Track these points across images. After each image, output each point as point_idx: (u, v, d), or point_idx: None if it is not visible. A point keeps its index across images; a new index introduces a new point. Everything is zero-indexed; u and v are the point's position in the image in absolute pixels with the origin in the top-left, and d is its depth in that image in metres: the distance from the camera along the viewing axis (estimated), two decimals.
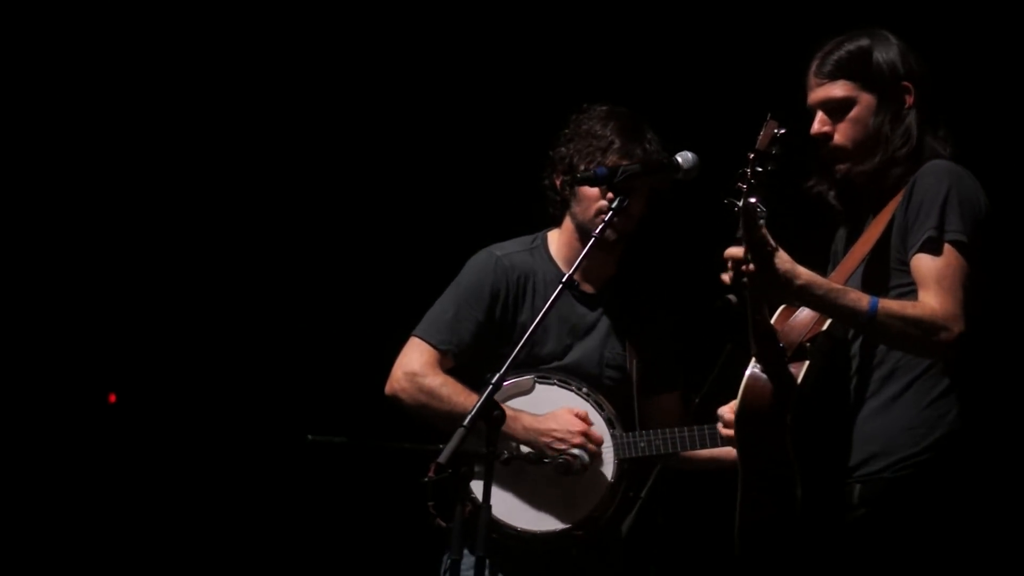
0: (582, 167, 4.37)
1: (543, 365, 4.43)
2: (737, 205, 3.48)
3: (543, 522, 4.36)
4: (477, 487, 3.99)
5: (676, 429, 4.37)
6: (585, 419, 4.36)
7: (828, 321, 3.69)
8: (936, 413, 3.64)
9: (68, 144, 6.46)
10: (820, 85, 3.81)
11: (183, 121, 6.44)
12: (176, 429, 6.50)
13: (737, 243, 3.51)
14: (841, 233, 3.94)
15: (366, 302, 6.25)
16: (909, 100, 3.78)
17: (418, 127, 6.27)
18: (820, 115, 3.80)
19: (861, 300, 3.56)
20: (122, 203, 6.51)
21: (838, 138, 3.79)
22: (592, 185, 4.28)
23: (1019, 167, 5.22)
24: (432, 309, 4.49)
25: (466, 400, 4.30)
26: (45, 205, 6.48)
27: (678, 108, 5.41)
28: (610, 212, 3.98)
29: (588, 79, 5.58)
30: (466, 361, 4.44)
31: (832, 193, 3.85)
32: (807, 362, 3.66)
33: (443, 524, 4.06)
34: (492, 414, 3.66)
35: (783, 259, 3.52)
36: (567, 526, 4.36)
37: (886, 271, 3.71)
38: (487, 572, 4.08)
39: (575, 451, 4.30)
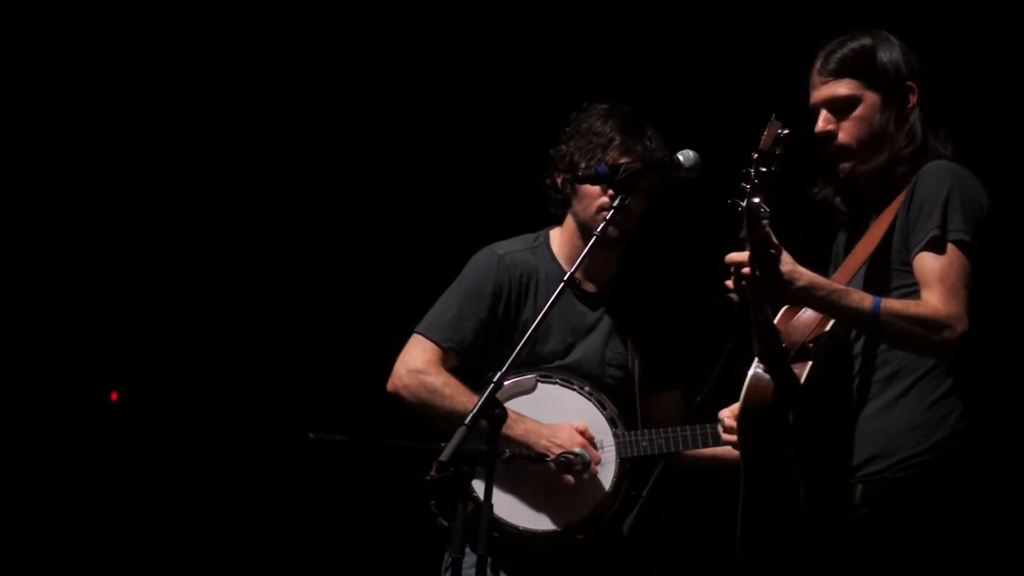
0: (583, 165, 4.37)
1: (545, 364, 4.42)
2: (740, 205, 3.47)
3: (545, 521, 4.35)
4: (479, 486, 3.99)
5: (678, 428, 4.37)
6: (585, 433, 4.35)
7: (831, 322, 3.68)
8: (938, 414, 3.63)
9: (69, 144, 6.45)
10: (824, 83, 3.80)
11: (184, 121, 6.44)
12: (177, 427, 6.49)
13: (739, 244, 3.51)
14: (842, 234, 3.93)
15: (367, 300, 6.24)
16: (912, 99, 3.78)
17: (419, 126, 6.26)
18: (824, 113, 3.79)
19: (864, 300, 3.56)
20: (123, 202, 6.51)
21: (843, 136, 3.78)
22: (593, 183, 4.27)
23: (1019, 167, 5.22)
24: (434, 307, 4.48)
25: (468, 400, 4.29)
26: (46, 205, 6.48)
27: (680, 107, 5.41)
28: (611, 210, 3.98)
29: (589, 78, 5.57)
30: (468, 360, 4.43)
31: (837, 198, 3.84)
32: (810, 362, 3.66)
33: (445, 523, 4.07)
34: (493, 412, 3.66)
35: (786, 260, 3.52)
36: (569, 525, 4.35)
37: (888, 272, 3.71)
38: (488, 571, 4.08)
39: (576, 449, 4.30)
